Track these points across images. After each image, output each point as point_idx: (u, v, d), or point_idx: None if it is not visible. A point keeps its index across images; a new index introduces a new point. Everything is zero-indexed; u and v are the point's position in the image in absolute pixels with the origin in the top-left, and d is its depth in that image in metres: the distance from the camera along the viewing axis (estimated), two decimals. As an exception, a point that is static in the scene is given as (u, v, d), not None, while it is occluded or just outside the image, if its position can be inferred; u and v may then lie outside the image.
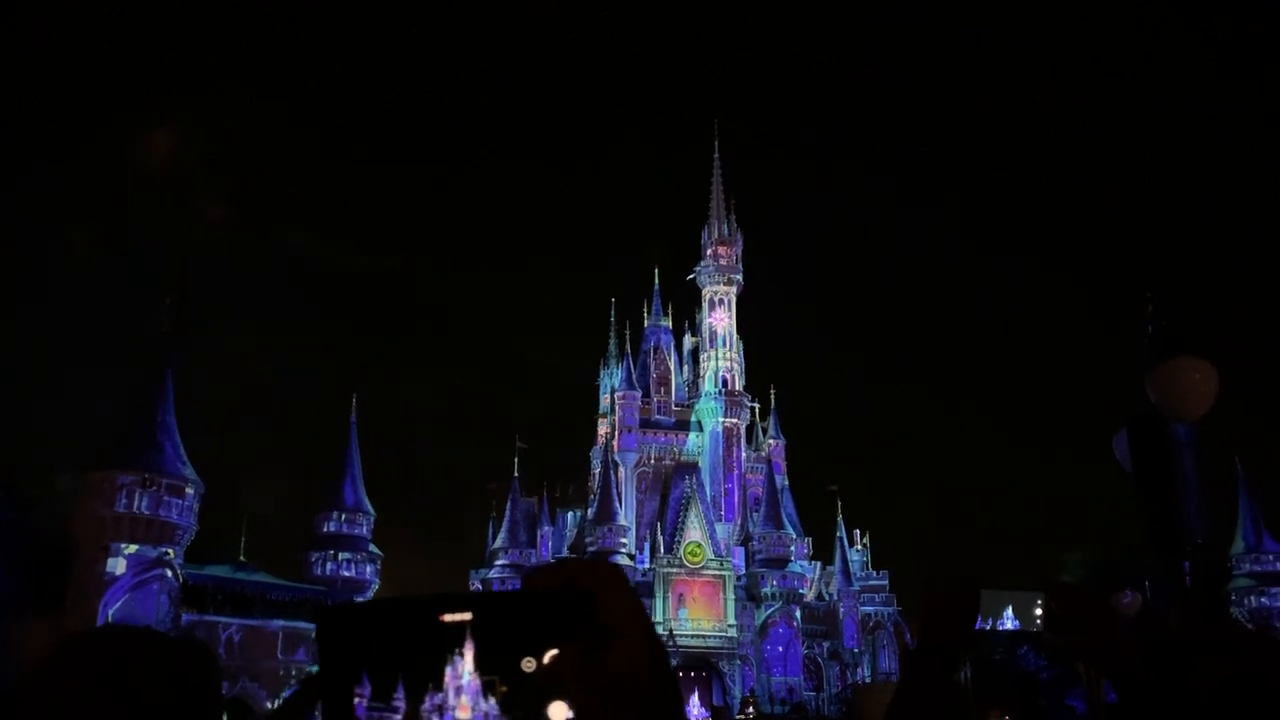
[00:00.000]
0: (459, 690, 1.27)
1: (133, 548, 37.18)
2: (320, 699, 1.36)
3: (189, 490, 39.15)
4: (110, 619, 35.97)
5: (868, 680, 61.06)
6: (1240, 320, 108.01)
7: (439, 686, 1.29)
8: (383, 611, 1.43)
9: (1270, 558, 59.96)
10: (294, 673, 41.22)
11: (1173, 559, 13.84)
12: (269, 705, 39.99)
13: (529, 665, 1.27)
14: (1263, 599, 59.13)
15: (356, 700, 1.32)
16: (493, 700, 1.29)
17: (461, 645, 1.29)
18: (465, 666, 1.27)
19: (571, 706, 1.17)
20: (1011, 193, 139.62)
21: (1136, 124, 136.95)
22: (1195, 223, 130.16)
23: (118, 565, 36.90)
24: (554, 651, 1.24)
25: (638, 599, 1.32)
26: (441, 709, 1.29)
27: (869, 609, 67.63)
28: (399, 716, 1.30)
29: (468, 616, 1.33)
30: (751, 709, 47.21)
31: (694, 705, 56.37)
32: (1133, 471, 12.99)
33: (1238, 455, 60.66)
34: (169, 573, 37.92)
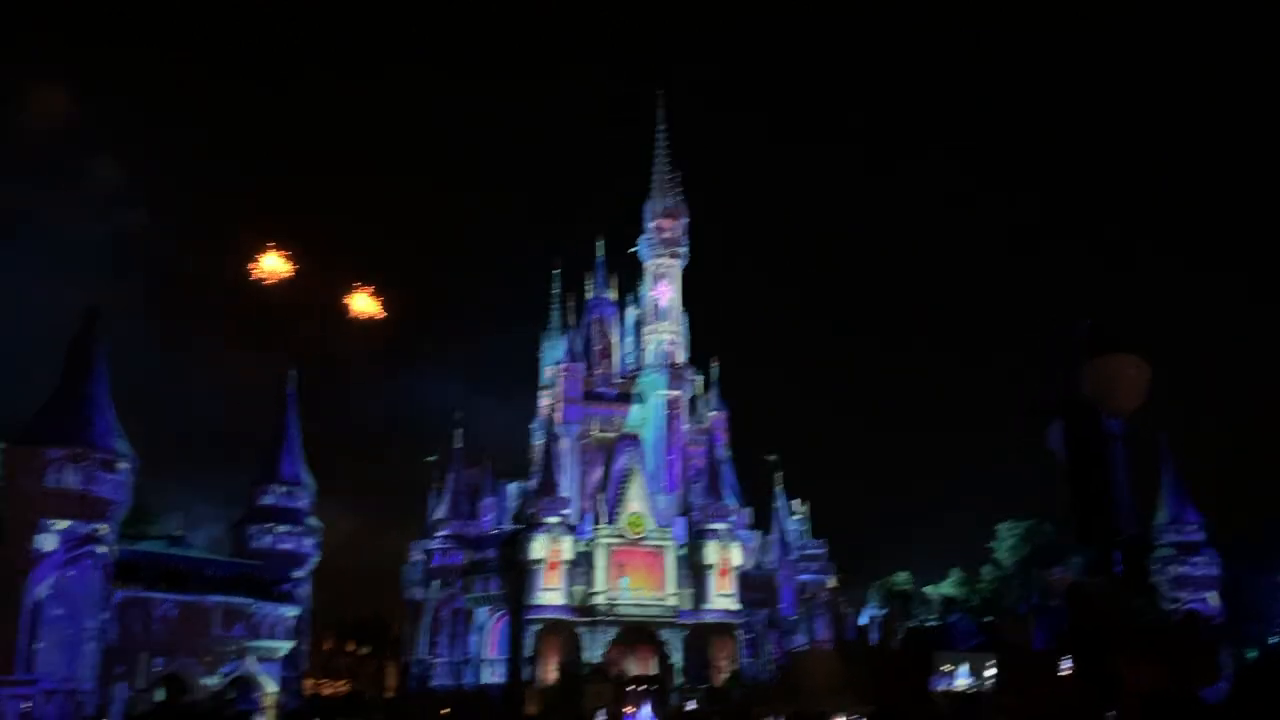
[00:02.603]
0: None
1: (63, 524, 36.31)
2: None
3: (122, 464, 38.28)
4: (41, 598, 35.22)
5: (805, 648, 62.23)
6: (1171, 307, 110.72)
7: None
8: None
9: (1191, 528, 62.12)
10: (232, 649, 40.78)
11: (1103, 548, 14.29)
12: (206, 681, 39.56)
13: None
14: (1183, 567, 61.32)
15: None
16: None
17: None
18: None
19: None
20: (968, 163, 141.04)
21: (1075, 109, 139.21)
22: (1131, 213, 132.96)
23: (47, 542, 36.03)
24: None
25: None
26: None
27: (806, 577, 68.84)
28: None
29: None
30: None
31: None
32: (1066, 461, 13.37)
33: (1163, 432, 62.57)
34: (102, 549, 37.13)
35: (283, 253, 50.75)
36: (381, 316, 55.84)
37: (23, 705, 33.39)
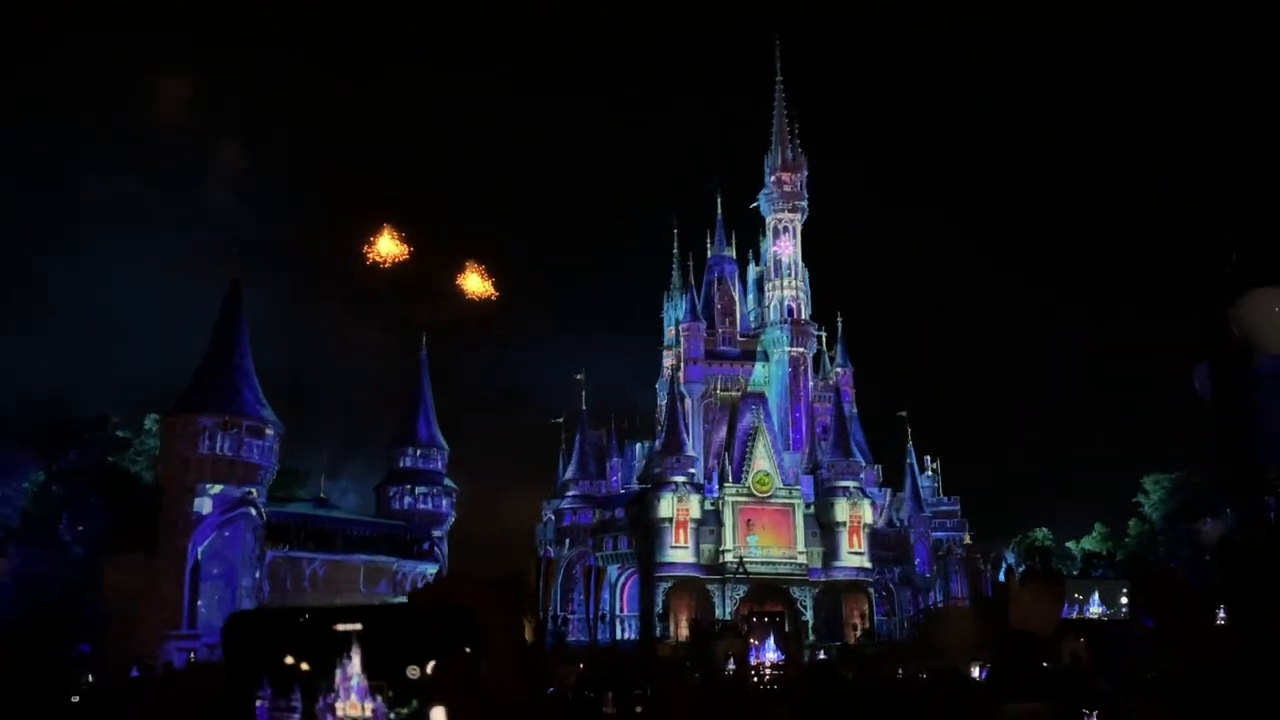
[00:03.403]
0: (349, 690, 1.47)
1: (217, 488, 38.53)
2: (226, 699, 1.55)
3: (268, 431, 40.33)
4: (199, 557, 37.49)
5: (940, 605, 61.21)
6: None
7: (331, 688, 1.50)
8: (282, 620, 1.64)
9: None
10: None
11: (1254, 495, 13.50)
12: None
13: (414, 673, 1.46)
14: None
15: (259, 702, 1.51)
16: (380, 699, 1.48)
17: (350, 651, 1.48)
18: (354, 669, 1.45)
19: (449, 713, 1.32)
20: (1096, 121, 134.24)
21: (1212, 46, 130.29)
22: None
23: (204, 505, 38.32)
24: (435, 662, 1.41)
25: (515, 616, 1.45)
26: (333, 708, 1.50)
27: (940, 534, 67.56)
28: (297, 715, 1.51)
29: (358, 626, 1.51)
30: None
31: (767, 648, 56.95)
32: (1214, 405, 12.65)
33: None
34: (253, 511, 39.24)
35: (396, 234, 51.19)
36: (493, 296, 56.13)
37: (189, 657, 35.72)
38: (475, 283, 55.26)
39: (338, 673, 1.44)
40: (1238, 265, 12.02)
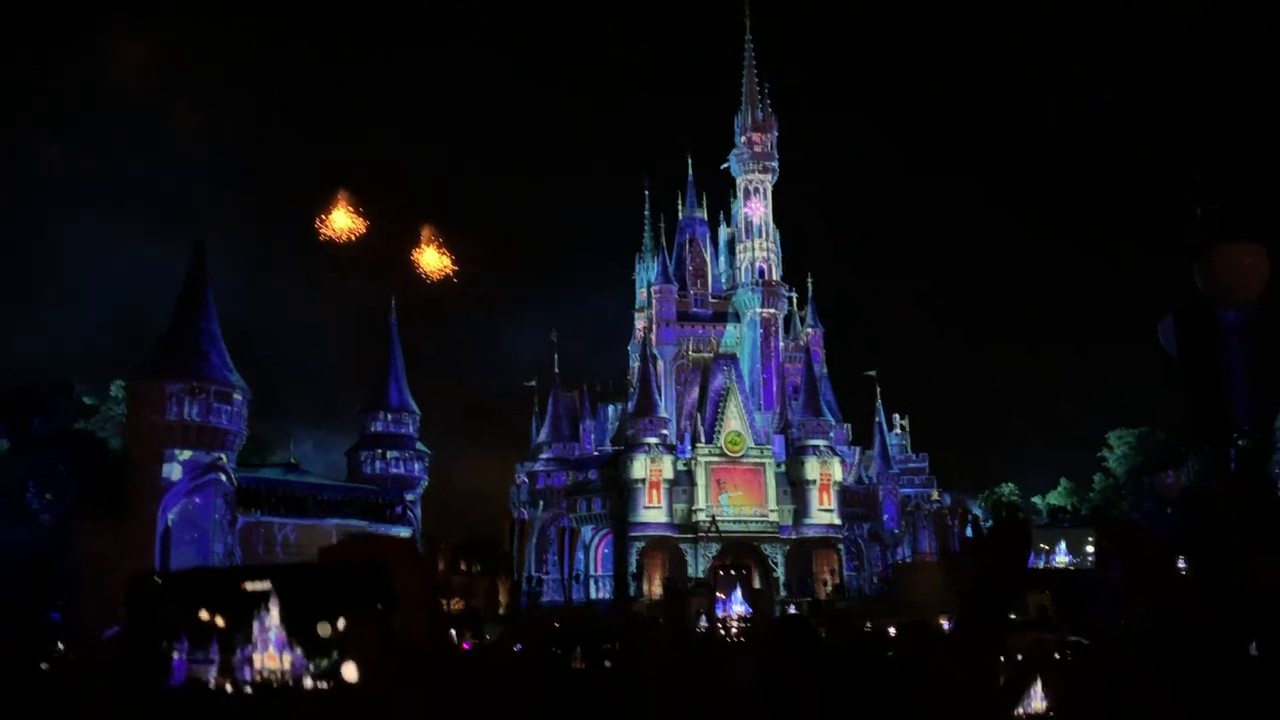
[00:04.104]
0: (267, 643, 1.46)
1: (186, 454, 38.24)
2: (130, 657, 1.54)
3: (237, 396, 40.00)
4: (170, 523, 37.28)
5: (908, 560, 62.05)
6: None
7: (249, 640, 1.49)
8: (192, 581, 1.64)
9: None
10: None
11: (1217, 446, 13.66)
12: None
13: (324, 630, 1.45)
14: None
15: (175, 655, 1.51)
16: (299, 651, 1.47)
17: (267, 604, 1.47)
18: (272, 621, 1.44)
19: (359, 668, 1.31)
20: (1063, 77, 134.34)
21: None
22: (1247, 96, 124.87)
23: (173, 471, 38.03)
24: (345, 619, 1.39)
25: (426, 572, 1.42)
26: (251, 659, 1.50)
27: (909, 491, 68.36)
28: (214, 668, 1.50)
29: (266, 585, 1.49)
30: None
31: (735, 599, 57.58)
32: (1178, 358, 12.76)
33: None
34: (223, 477, 39.01)
35: (352, 208, 48.71)
36: (452, 270, 54.05)
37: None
38: (433, 258, 53.23)
39: (255, 625, 1.41)
40: (1203, 220, 12.05)
